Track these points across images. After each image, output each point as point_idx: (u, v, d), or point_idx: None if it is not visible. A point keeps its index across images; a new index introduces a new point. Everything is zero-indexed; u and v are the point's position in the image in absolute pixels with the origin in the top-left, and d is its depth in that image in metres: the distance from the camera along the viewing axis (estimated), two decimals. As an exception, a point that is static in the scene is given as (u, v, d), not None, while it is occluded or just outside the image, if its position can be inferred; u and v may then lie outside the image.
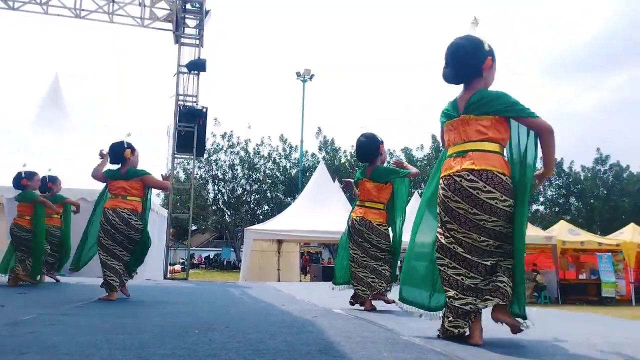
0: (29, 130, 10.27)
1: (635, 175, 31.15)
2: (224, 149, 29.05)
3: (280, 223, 13.24)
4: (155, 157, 38.62)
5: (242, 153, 29.19)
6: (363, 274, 4.10)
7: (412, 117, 65.33)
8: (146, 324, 2.98)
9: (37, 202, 6.03)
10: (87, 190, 7.86)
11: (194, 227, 28.88)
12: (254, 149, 29.42)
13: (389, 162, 4.81)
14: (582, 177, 31.33)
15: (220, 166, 29.07)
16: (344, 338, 2.54)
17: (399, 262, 4.21)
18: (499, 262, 2.45)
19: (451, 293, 2.47)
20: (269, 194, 29.98)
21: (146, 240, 4.69)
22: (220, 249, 37.69)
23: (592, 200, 30.52)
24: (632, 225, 15.87)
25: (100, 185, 5.14)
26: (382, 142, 4.31)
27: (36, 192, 6.24)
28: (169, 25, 11.56)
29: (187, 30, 11.86)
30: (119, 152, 4.68)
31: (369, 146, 4.27)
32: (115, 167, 4.77)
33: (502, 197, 2.40)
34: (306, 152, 29.35)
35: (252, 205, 29.89)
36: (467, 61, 2.53)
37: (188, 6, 11.59)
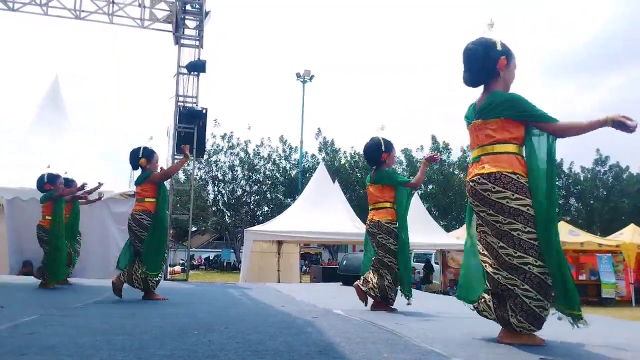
0: (29, 130, 10.26)
1: (635, 176, 31.13)
2: (224, 150, 29.02)
3: (280, 224, 13.23)
4: (155, 158, 38.47)
5: (242, 154, 29.16)
6: (372, 274, 4.18)
7: (411, 119, 65.34)
8: (146, 324, 2.98)
9: (55, 198, 5.97)
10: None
11: (193, 228, 28.89)
12: (254, 150, 29.39)
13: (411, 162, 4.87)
14: (581, 178, 31.30)
15: (220, 167, 29.04)
16: (343, 339, 2.54)
17: (408, 265, 4.21)
18: (514, 285, 2.39)
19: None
20: (268, 195, 29.95)
21: (159, 234, 4.77)
22: (220, 250, 37.66)
23: (591, 201, 30.51)
24: (632, 226, 15.88)
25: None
26: (388, 149, 4.33)
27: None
28: (169, 27, 11.55)
29: (186, 32, 11.85)
30: (135, 159, 4.94)
31: (371, 150, 4.37)
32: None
33: (513, 195, 2.41)
34: (306, 153, 29.33)
35: (252, 206, 29.87)
36: (480, 63, 2.59)
37: (188, 7, 11.58)
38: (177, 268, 21.75)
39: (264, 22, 78.49)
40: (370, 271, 4.21)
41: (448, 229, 21.92)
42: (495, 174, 2.45)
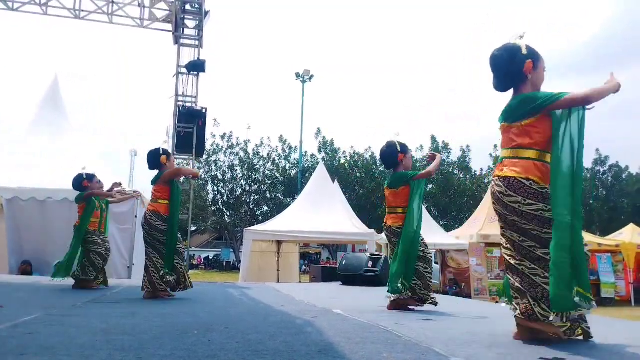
0: (29, 130, 10.26)
1: (635, 176, 31.17)
2: (224, 149, 29.04)
3: (279, 224, 13.22)
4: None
5: (242, 154, 29.17)
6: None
7: (411, 118, 65.39)
8: (145, 324, 2.98)
9: (86, 197, 5.91)
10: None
11: (193, 228, 28.88)
12: (254, 149, 29.41)
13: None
14: (581, 178, 31.31)
15: (219, 167, 29.06)
16: (343, 339, 2.54)
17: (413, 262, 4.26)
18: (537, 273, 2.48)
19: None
20: (268, 195, 29.95)
21: (170, 241, 4.79)
22: (220, 250, 37.69)
23: (591, 201, 30.51)
24: (631, 226, 15.89)
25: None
26: (403, 152, 4.41)
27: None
28: (169, 26, 11.55)
29: (186, 31, 11.85)
30: (155, 158, 4.99)
31: (388, 155, 4.48)
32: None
33: (524, 200, 2.49)
34: (305, 152, 29.33)
35: (251, 206, 29.88)
36: (506, 68, 2.67)
37: (187, 7, 11.58)
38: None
39: (263, 22, 78.54)
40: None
41: (448, 228, 21.91)
42: (510, 179, 2.54)
